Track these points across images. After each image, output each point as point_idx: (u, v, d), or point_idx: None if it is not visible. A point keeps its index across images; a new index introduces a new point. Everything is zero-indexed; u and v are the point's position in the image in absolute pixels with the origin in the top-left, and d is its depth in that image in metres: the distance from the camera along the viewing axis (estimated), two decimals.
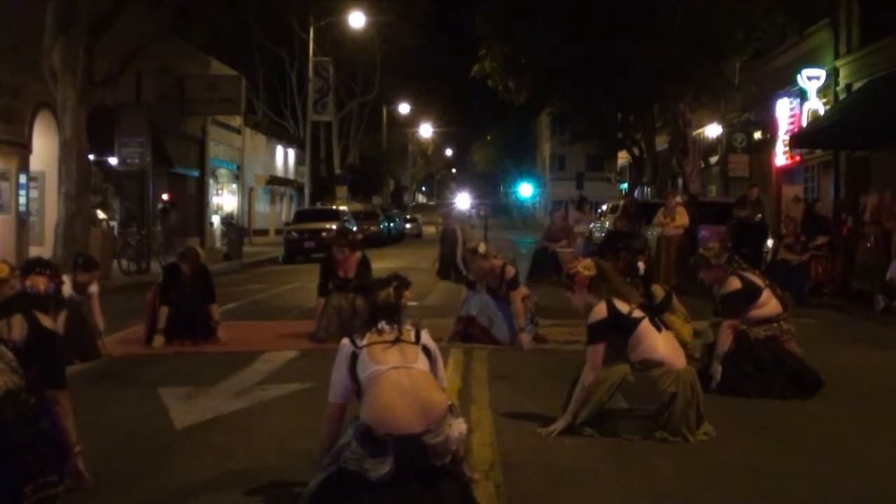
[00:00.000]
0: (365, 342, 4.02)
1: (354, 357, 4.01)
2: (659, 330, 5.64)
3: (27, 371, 4.19)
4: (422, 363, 4.02)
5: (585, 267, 5.75)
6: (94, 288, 8.60)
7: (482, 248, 9.54)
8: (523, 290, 9.58)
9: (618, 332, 5.58)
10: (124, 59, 17.59)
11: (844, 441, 5.63)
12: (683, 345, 6.72)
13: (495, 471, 4.78)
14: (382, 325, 4.06)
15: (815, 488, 4.68)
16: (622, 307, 5.57)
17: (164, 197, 25.63)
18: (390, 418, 3.79)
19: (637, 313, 5.60)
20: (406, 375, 3.91)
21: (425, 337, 4.15)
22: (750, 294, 7.03)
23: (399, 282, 4.24)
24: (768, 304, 7.08)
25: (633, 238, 14.26)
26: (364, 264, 9.69)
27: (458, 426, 3.88)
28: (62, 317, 5.05)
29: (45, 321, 4.40)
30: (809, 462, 5.14)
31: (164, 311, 9.15)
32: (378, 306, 4.13)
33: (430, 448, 3.79)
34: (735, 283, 7.04)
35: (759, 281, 7.19)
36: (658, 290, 8.25)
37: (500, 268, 9.32)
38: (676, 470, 4.92)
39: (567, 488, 4.60)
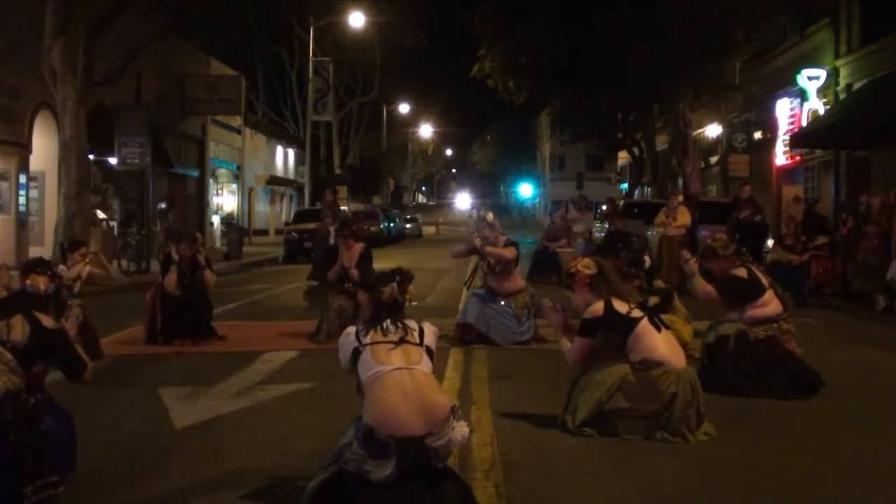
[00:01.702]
0: (368, 340, 3.98)
1: (357, 352, 3.98)
2: (658, 330, 5.63)
3: (26, 370, 4.19)
4: (425, 364, 3.98)
5: (585, 266, 5.76)
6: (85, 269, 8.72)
7: (490, 216, 9.76)
8: (520, 281, 9.64)
9: (616, 331, 5.58)
10: (124, 59, 17.60)
11: (844, 441, 5.63)
12: (684, 345, 6.72)
13: (495, 471, 4.78)
14: (387, 324, 4.02)
15: (816, 488, 4.68)
16: (620, 307, 5.58)
17: (163, 205, 25.58)
18: (392, 420, 3.77)
19: (636, 313, 5.59)
20: (409, 377, 3.87)
21: (428, 336, 4.10)
22: (752, 288, 7.03)
23: (402, 276, 4.20)
24: (770, 304, 7.08)
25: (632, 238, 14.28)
26: (366, 256, 9.70)
27: (461, 429, 3.84)
28: (73, 320, 5.02)
29: (46, 321, 4.40)
30: (809, 462, 5.14)
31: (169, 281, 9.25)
32: (382, 303, 4.09)
33: (433, 451, 3.77)
34: (742, 272, 7.07)
35: (764, 280, 7.19)
36: (660, 284, 8.33)
37: (502, 244, 9.45)
38: (676, 470, 4.92)
39: (567, 488, 4.60)
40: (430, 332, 4.14)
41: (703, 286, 7.33)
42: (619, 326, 5.56)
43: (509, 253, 9.38)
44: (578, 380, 5.66)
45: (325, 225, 16.87)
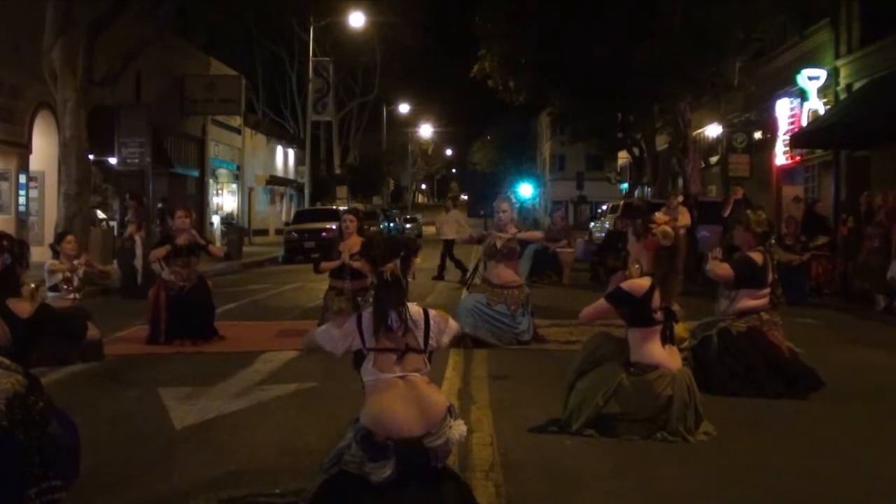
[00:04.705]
0: (374, 344, 3.86)
1: (360, 354, 3.91)
2: (664, 343, 5.56)
3: (28, 356, 4.11)
4: (425, 371, 3.92)
5: (664, 234, 5.47)
6: (82, 259, 8.83)
7: (504, 205, 9.76)
8: (517, 275, 9.63)
9: (633, 315, 5.51)
10: (124, 59, 17.59)
11: (844, 441, 5.63)
12: (679, 340, 6.70)
13: (495, 471, 4.78)
14: (392, 318, 3.84)
15: (815, 488, 4.68)
16: (655, 299, 5.46)
17: (161, 205, 25.61)
18: (390, 422, 3.75)
19: (659, 315, 5.49)
20: (404, 381, 3.84)
21: (434, 332, 3.94)
22: (757, 275, 7.02)
23: (406, 251, 3.98)
24: (763, 298, 7.09)
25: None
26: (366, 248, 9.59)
27: (458, 428, 3.83)
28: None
29: (21, 309, 4.20)
30: (809, 462, 5.14)
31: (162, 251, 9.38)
32: (384, 282, 3.90)
33: (431, 450, 3.76)
34: (758, 257, 7.05)
35: (770, 274, 7.17)
36: None
37: (512, 232, 9.49)
38: (676, 470, 4.92)
39: (567, 488, 4.60)
40: (436, 326, 3.96)
41: (719, 267, 7.15)
42: (639, 314, 5.48)
43: (539, 234, 10.55)
44: (575, 384, 5.65)
45: (132, 234, 15.15)
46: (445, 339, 4.05)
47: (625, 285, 5.49)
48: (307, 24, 34.76)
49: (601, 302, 5.60)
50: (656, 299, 5.45)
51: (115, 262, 18.27)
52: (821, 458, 5.24)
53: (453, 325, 4.12)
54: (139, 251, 14.58)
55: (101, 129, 18.23)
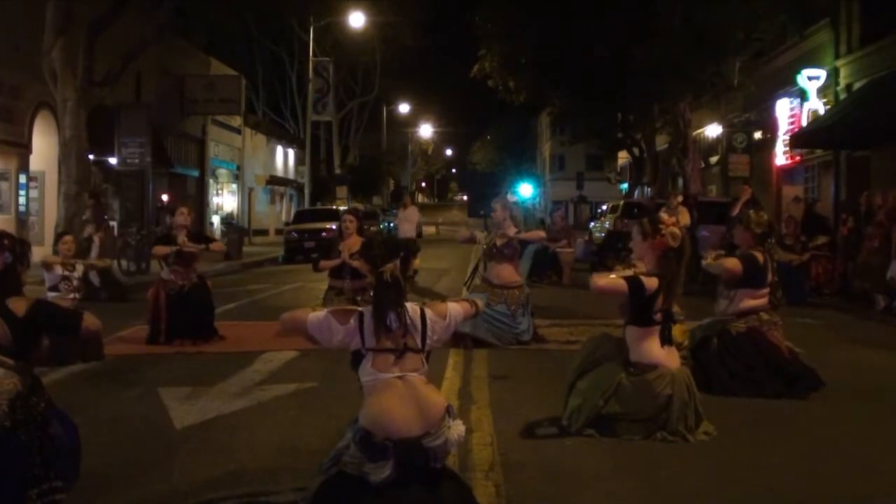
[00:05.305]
0: (374, 344, 3.85)
1: (358, 353, 3.89)
2: (662, 344, 5.55)
3: (29, 354, 4.08)
4: (423, 371, 3.91)
5: (673, 236, 5.47)
6: (79, 267, 8.86)
7: (497, 206, 9.78)
8: (517, 275, 9.62)
9: (636, 309, 5.50)
10: (124, 59, 17.61)
11: (844, 441, 5.63)
12: (677, 345, 6.71)
13: (495, 471, 4.78)
14: (391, 319, 3.83)
15: (815, 488, 4.68)
16: (659, 300, 5.46)
17: (164, 198, 25.71)
18: (389, 422, 3.74)
19: (658, 317, 5.49)
20: (402, 381, 3.83)
21: (431, 332, 3.94)
22: (758, 274, 7.02)
23: (406, 252, 3.99)
24: (763, 297, 7.09)
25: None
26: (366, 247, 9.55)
27: (457, 428, 3.81)
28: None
29: (18, 307, 4.14)
30: (809, 462, 5.14)
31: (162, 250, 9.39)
32: (383, 282, 3.89)
33: (430, 451, 3.76)
34: (759, 256, 7.04)
35: (770, 274, 7.18)
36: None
37: (513, 232, 9.48)
38: (676, 469, 4.92)
39: (567, 488, 4.60)
40: (432, 325, 3.95)
41: (728, 261, 7.09)
42: (641, 312, 5.47)
43: (541, 234, 10.36)
44: (575, 384, 5.65)
45: (91, 235, 14.80)
46: (447, 335, 4.05)
47: (644, 279, 5.46)
48: (307, 24, 34.77)
49: (621, 281, 5.47)
50: (659, 301, 5.47)
51: (114, 262, 18.29)
52: (821, 458, 5.24)
53: (455, 311, 4.06)
54: (95, 252, 14.05)
55: (101, 129, 18.26)
